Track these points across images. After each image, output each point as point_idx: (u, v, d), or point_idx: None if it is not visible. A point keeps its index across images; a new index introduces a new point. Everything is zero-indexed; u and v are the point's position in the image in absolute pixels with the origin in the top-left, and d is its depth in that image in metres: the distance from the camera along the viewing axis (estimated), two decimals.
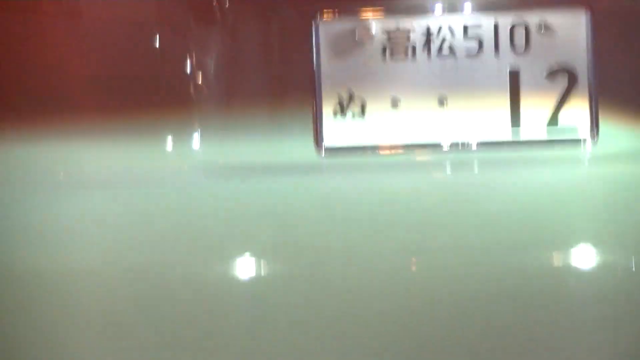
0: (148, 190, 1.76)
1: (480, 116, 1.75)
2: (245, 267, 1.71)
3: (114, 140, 1.76)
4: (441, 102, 1.75)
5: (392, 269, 1.71)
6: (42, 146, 1.78)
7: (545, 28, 1.75)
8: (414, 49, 1.75)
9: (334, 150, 1.76)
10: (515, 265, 1.71)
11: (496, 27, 1.75)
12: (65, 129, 1.77)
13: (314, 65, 1.75)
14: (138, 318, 1.72)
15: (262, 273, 1.71)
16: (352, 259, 1.72)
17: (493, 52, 1.75)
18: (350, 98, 1.75)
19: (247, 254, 1.72)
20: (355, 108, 1.75)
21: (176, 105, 1.77)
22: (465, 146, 1.76)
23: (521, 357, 1.70)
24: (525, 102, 1.75)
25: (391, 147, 1.76)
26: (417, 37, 1.75)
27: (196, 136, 1.78)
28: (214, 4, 1.77)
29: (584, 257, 1.71)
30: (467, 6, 1.75)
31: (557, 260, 1.72)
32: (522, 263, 1.71)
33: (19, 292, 1.74)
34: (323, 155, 1.76)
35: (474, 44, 1.75)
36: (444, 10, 1.75)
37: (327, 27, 1.76)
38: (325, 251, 1.73)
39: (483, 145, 1.75)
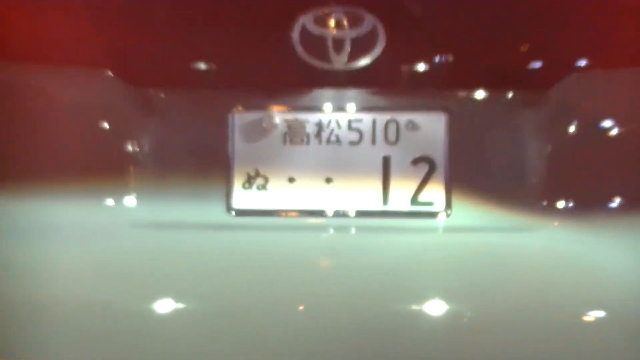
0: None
1: (358, 192, 2.24)
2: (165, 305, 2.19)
3: None
4: (328, 180, 2.23)
5: (285, 309, 2.19)
6: None
7: (412, 125, 2.23)
8: (308, 136, 2.24)
9: (242, 212, 2.25)
10: (381, 310, 2.19)
11: (374, 123, 2.23)
12: None
13: (229, 148, 2.24)
14: None
15: (180, 309, 2.19)
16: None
17: (370, 142, 2.23)
18: (256, 174, 2.24)
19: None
20: (260, 182, 2.24)
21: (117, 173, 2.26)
22: (345, 214, 2.24)
23: None
24: (394, 182, 2.23)
25: (287, 212, 2.25)
26: (311, 128, 2.23)
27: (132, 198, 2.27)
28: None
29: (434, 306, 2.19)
30: (351, 106, 2.24)
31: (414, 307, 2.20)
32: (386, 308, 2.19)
33: None
34: (233, 215, 2.25)
35: (356, 135, 2.24)
36: (333, 108, 2.24)
37: (241, 117, 2.24)
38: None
39: (359, 214, 2.24)
